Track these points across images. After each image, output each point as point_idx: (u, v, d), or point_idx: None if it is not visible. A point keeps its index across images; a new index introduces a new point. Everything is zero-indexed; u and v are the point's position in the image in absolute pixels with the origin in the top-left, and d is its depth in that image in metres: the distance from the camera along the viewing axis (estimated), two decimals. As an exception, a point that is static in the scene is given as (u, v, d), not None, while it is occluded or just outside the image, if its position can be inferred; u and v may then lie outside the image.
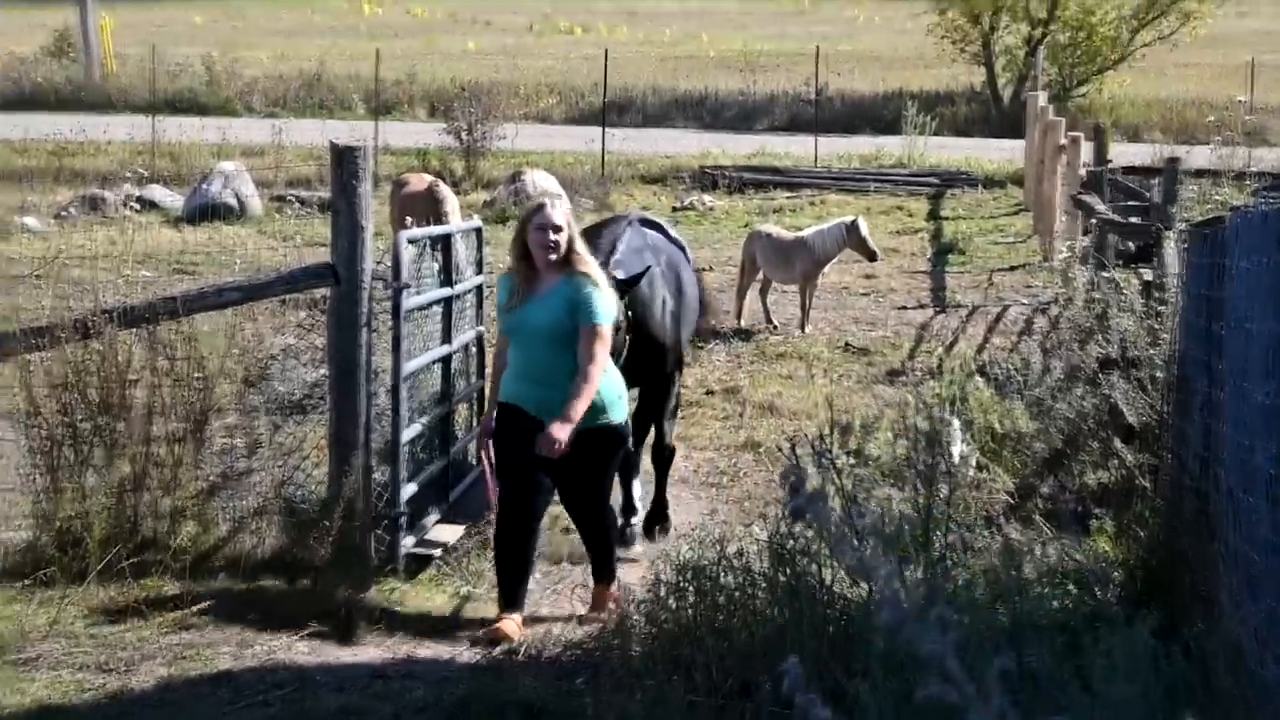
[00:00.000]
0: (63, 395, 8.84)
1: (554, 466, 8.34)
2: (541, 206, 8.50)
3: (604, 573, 8.84)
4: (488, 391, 9.12)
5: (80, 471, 8.82)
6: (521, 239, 8.45)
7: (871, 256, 17.70)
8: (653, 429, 10.53)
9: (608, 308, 8.44)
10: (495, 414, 8.75)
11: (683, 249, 11.06)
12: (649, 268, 9.65)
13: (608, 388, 8.54)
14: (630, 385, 9.46)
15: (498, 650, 7.89)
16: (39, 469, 8.89)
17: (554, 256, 8.33)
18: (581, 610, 8.64)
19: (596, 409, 8.39)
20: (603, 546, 8.88)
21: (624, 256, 9.63)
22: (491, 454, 8.72)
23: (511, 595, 8.38)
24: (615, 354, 8.94)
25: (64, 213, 25.97)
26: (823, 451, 6.66)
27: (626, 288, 9.27)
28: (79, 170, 30.98)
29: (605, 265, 9.21)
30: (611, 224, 10.48)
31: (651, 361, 9.85)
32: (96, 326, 8.86)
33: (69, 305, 9.12)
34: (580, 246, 8.53)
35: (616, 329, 8.68)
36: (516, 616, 8.30)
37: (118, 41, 50.88)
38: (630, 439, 9.24)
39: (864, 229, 17.57)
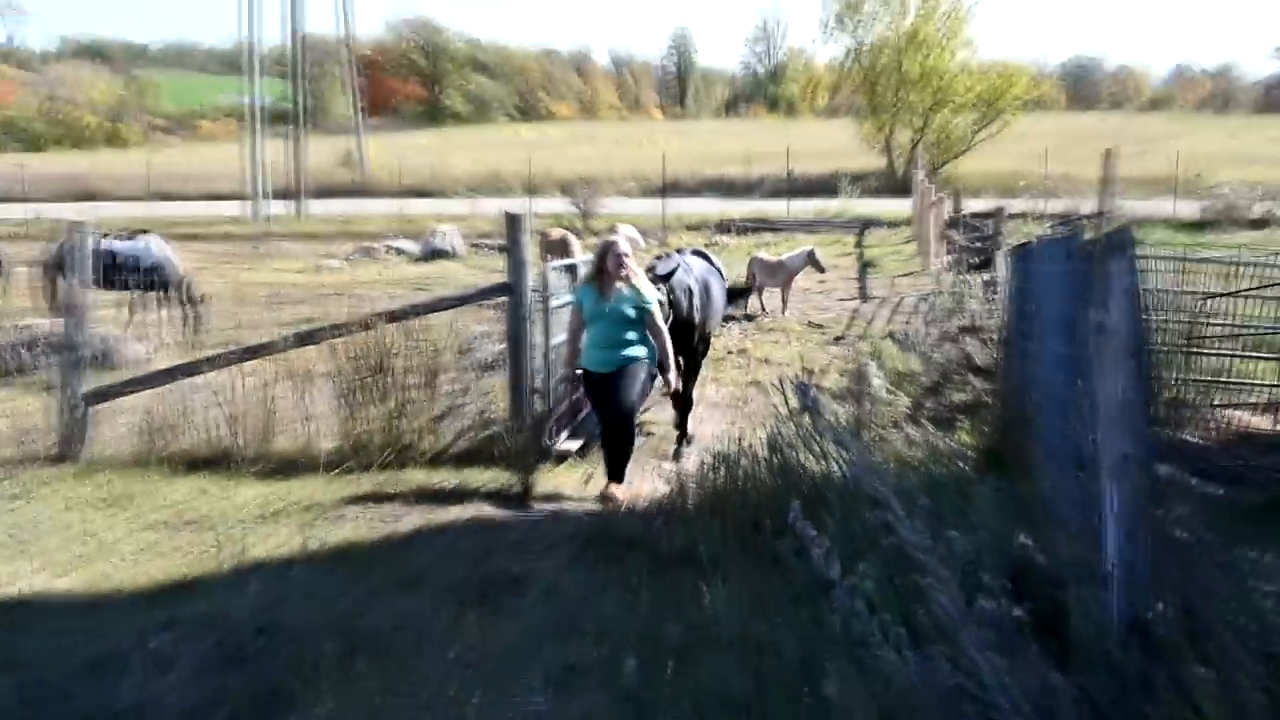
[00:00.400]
0: (354, 362, 8.94)
1: (610, 392, 8.28)
2: (614, 243, 8.47)
3: (617, 475, 8.37)
4: (567, 353, 8.83)
5: (365, 407, 8.92)
6: (601, 261, 8.40)
7: (821, 270, 17.89)
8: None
9: (656, 298, 8.50)
10: (580, 374, 8.62)
11: (718, 270, 10.84)
12: (675, 269, 9.60)
13: (649, 343, 8.47)
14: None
15: (609, 505, 7.93)
16: (342, 405, 9.00)
17: (623, 272, 8.30)
18: (662, 484, 8.39)
19: (638, 354, 8.39)
20: (622, 455, 8.39)
21: (665, 267, 9.60)
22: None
23: (616, 472, 8.31)
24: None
25: (350, 257, 26.14)
26: (800, 383, 6.70)
27: (663, 280, 9.31)
28: (356, 231, 31.20)
29: (651, 270, 9.44)
30: (671, 254, 10.47)
31: (682, 336, 9.47)
32: (372, 322, 8.96)
33: (356, 310, 9.20)
34: (635, 266, 8.50)
35: (661, 307, 8.62)
36: (620, 485, 8.24)
37: (379, 156, 51.22)
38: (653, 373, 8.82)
39: (819, 254, 17.77)
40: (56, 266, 13.56)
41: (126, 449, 9.11)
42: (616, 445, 8.36)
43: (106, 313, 14.41)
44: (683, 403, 9.96)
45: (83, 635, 5.58)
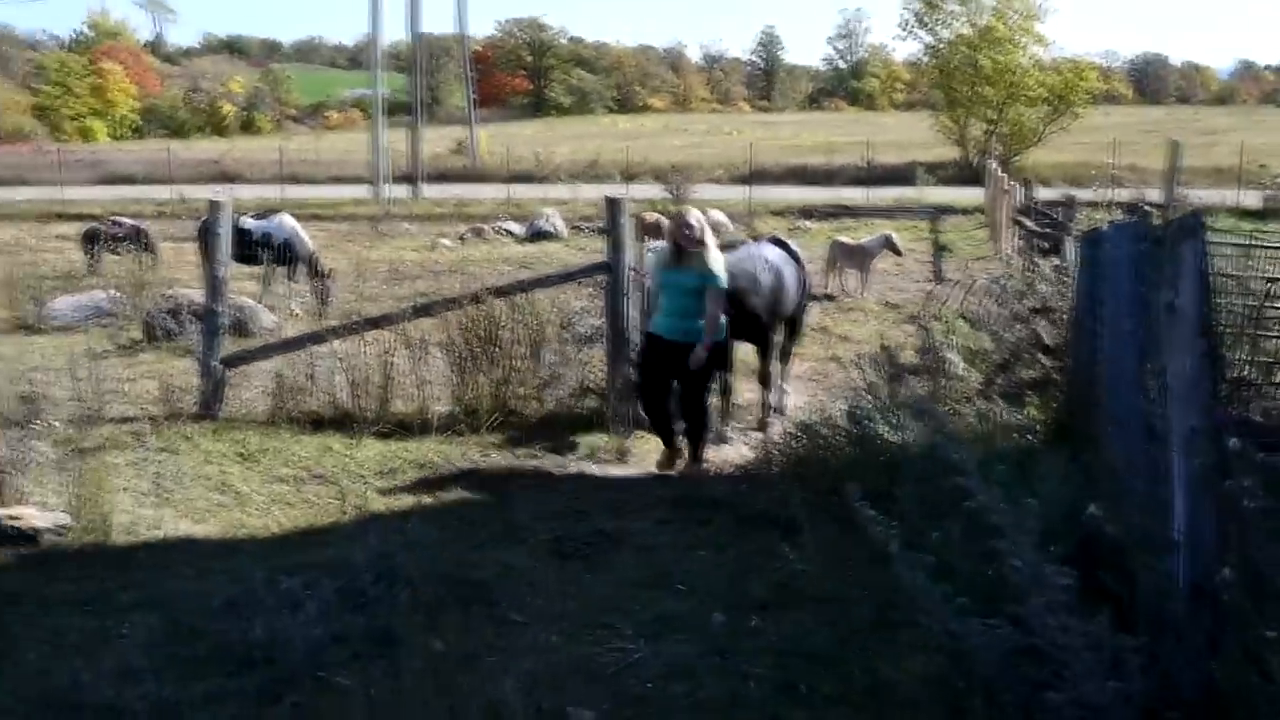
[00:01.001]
0: (466, 333, 9.00)
1: (676, 371, 7.74)
2: (682, 213, 8.14)
3: (695, 454, 7.95)
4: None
5: (475, 374, 8.98)
6: (671, 232, 8.02)
7: (899, 254, 17.67)
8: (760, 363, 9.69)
9: (722, 274, 7.84)
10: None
11: (796, 258, 10.02)
12: (741, 255, 9.08)
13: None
14: (737, 336, 8.79)
15: (676, 466, 7.99)
16: (454, 372, 9.08)
17: (691, 240, 7.73)
18: (748, 451, 8.34)
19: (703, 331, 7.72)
20: (697, 435, 7.95)
21: (732, 255, 8.80)
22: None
23: (666, 438, 8.00)
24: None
25: (463, 237, 26.32)
26: (887, 352, 6.65)
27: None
28: (468, 214, 31.42)
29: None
30: (746, 242, 10.13)
31: (748, 322, 8.80)
32: (482, 297, 9.02)
33: (467, 285, 9.26)
34: (710, 239, 7.92)
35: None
36: (669, 450, 7.94)
37: (488, 144, 51.55)
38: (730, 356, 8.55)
39: (896, 239, 17.54)
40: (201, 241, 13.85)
41: (259, 409, 9.27)
42: (691, 424, 7.93)
43: (242, 285, 14.68)
44: (765, 380, 9.55)
45: (220, 577, 5.70)
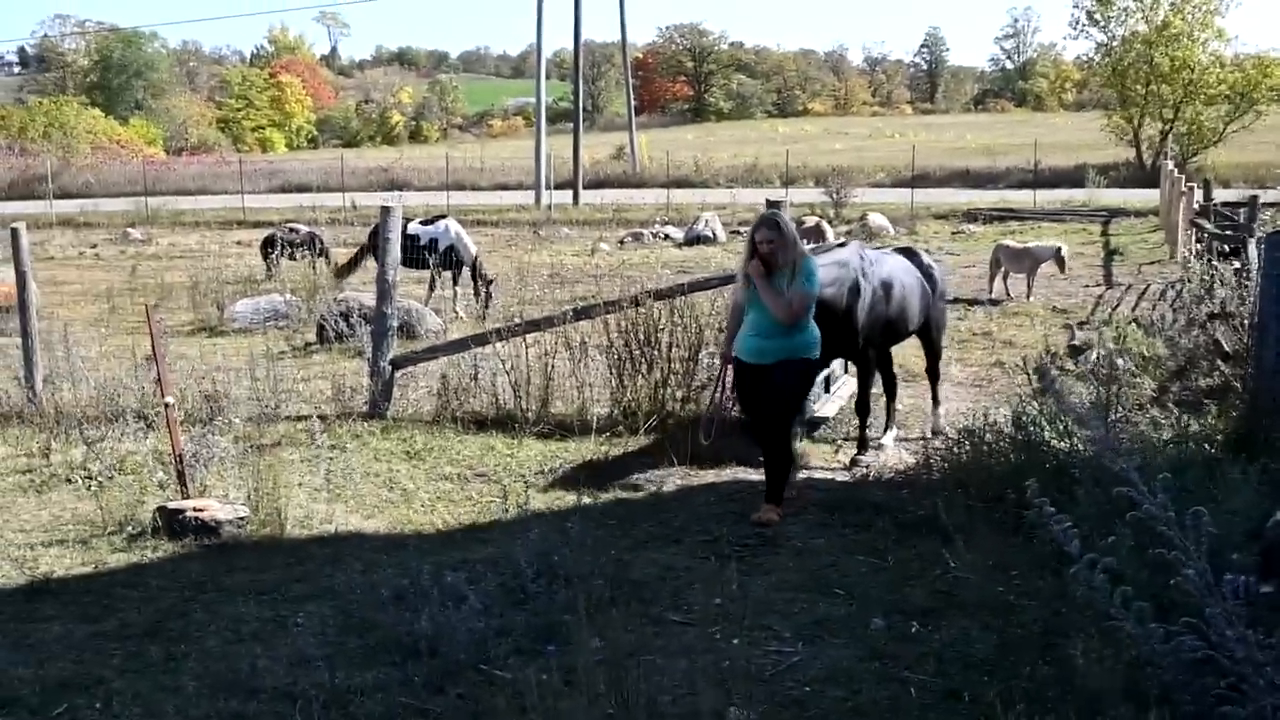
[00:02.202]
0: (625, 336, 9.06)
1: (761, 393, 6.68)
2: (764, 217, 6.71)
3: (774, 495, 6.73)
4: (726, 334, 7.09)
5: (634, 376, 9.03)
6: (750, 239, 6.72)
7: (1063, 269, 16.98)
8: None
9: (813, 279, 6.64)
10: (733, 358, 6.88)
11: (927, 272, 9.04)
12: (836, 257, 7.85)
13: (810, 335, 6.69)
14: (831, 353, 7.77)
15: (846, 476, 7.79)
16: (613, 375, 9.15)
17: (772, 254, 6.53)
18: (908, 457, 8.05)
19: (799, 346, 6.63)
20: (778, 471, 6.77)
21: (830, 257, 7.81)
22: (729, 376, 6.99)
23: (772, 492, 6.77)
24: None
25: (622, 241, 26.57)
26: (1041, 365, 6.46)
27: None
28: (627, 218, 31.67)
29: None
30: (849, 243, 8.79)
31: (842, 336, 7.72)
32: (641, 300, 9.07)
33: (626, 289, 9.32)
34: (798, 246, 6.71)
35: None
36: (775, 507, 6.70)
37: (648, 149, 51.95)
38: (814, 374, 7.26)
39: (1065, 253, 17.02)
40: (370, 248, 14.29)
41: (425, 409, 9.52)
42: (771, 458, 6.82)
43: (409, 289, 15.08)
44: (858, 407, 8.44)
45: (388, 569, 5.87)
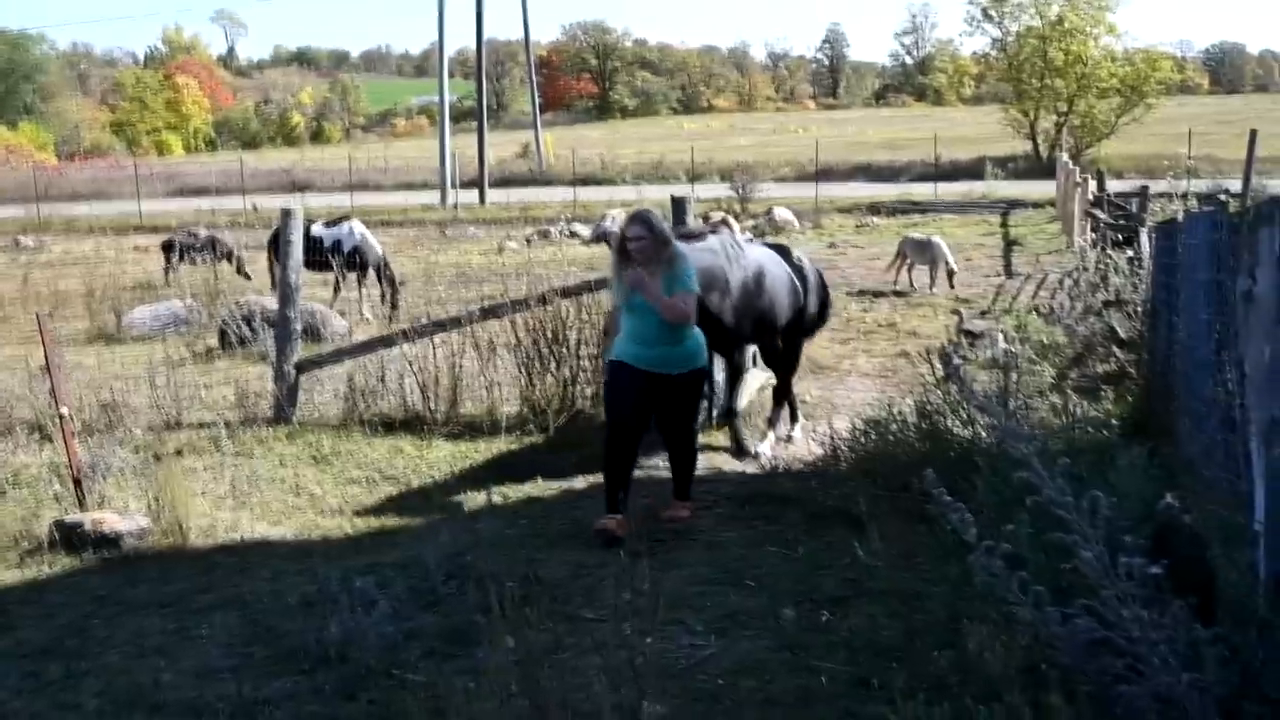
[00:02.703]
0: (533, 334, 9.03)
1: (655, 403, 6.40)
2: (632, 217, 6.48)
3: (682, 491, 6.69)
4: (606, 337, 6.92)
5: (543, 374, 9.01)
6: (620, 242, 6.47)
7: (951, 275, 16.73)
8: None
9: (691, 278, 6.36)
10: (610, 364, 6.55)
11: (799, 270, 8.57)
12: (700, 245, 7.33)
13: (699, 337, 6.51)
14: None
15: (755, 469, 7.83)
16: (522, 373, 9.12)
17: (647, 258, 6.26)
18: (816, 448, 7.95)
19: (688, 356, 6.41)
20: (686, 470, 6.67)
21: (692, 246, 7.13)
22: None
23: (616, 498, 6.37)
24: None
25: (529, 239, 26.48)
26: (944, 352, 6.55)
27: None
28: (534, 216, 31.58)
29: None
30: (715, 230, 8.30)
31: (712, 334, 7.05)
32: (549, 298, 9.05)
33: (534, 287, 9.29)
34: (673, 247, 6.38)
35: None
36: (615, 518, 6.30)
37: (554, 148, 51.86)
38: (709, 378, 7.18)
39: (950, 258, 16.76)
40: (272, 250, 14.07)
41: (332, 412, 9.39)
42: (677, 457, 6.65)
43: (314, 291, 14.87)
44: (722, 416, 8.27)
45: (296, 576, 5.79)
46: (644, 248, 6.28)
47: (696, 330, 6.47)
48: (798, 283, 8.49)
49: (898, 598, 5.05)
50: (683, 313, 6.29)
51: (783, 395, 8.79)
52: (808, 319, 8.79)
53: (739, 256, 7.84)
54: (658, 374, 6.35)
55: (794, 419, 8.87)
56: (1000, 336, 10.64)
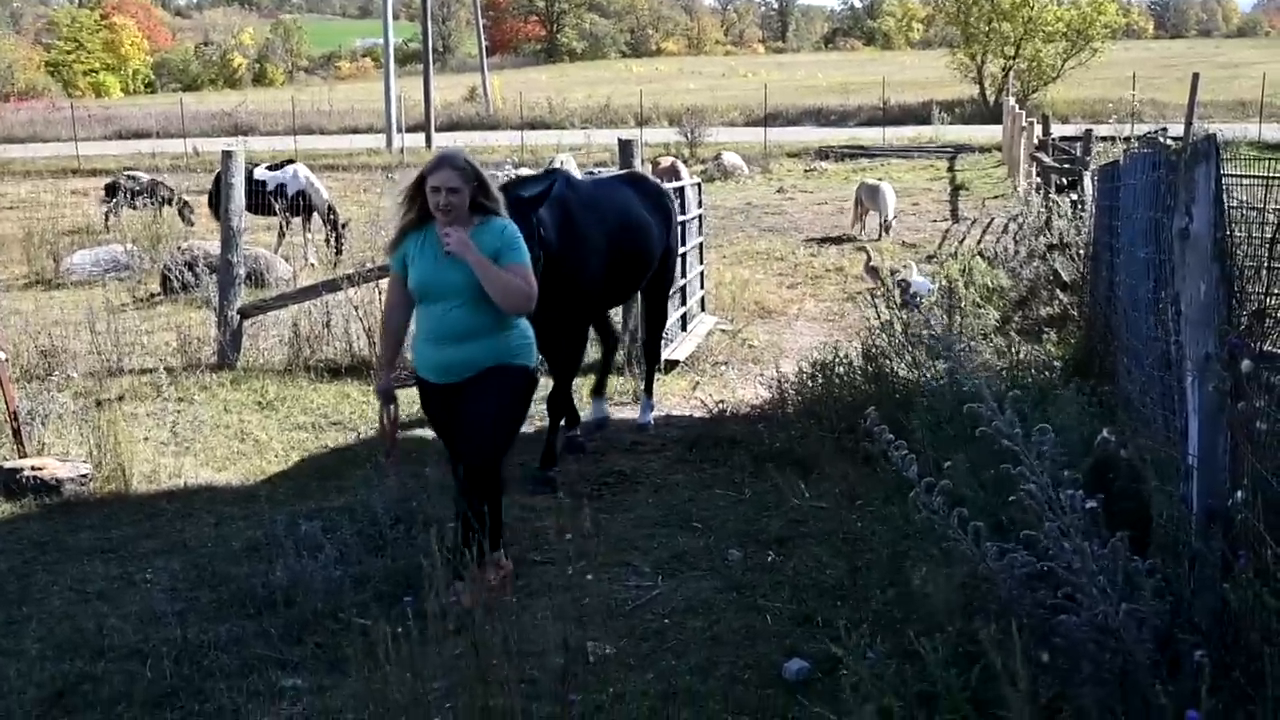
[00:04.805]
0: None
1: (457, 422, 4.76)
2: (441, 159, 4.70)
3: (495, 538, 4.60)
4: (381, 349, 5.32)
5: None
6: (416, 188, 4.71)
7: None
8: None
9: (518, 241, 4.75)
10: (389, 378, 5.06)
11: (660, 202, 7.33)
12: (547, 190, 5.75)
13: (525, 331, 4.85)
14: (547, 321, 5.69)
15: (713, 410, 7.84)
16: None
17: (451, 211, 4.58)
18: (764, 391, 7.92)
19: (515, 348, 4.77)
20: (496, 507, 4.71)
21: (534, 189, 5.82)
22: (391, 416, 5.11)
23: (492, 540, 4.46)
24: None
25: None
26: (902, 280, 6.60)
27: (527, 207, 5.53)
28: (482, 160, 31.21)
29: (511, 193, 5.39)
30: (558, 167, 6.48)
31: (564, 298, 5.96)
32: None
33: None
34: (492, 191, 4.77)
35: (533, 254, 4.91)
36: (500, 558, 4.82)
37: (501, 91, 51.36)
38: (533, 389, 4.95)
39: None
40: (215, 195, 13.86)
41: (276, 358, 9.31)
42: (475, 503, 4.43)
43: (258, 236, 14.67)
44: (552, 407, 6.56)
45: (241, 522, 5.76)
46: (458, 202, 4.62)
47: (524, 325, 4.86)
48: (658, 221, 7.19)
49: (841, 538, 5.12)
50: (525, 293, 4.68)
51: (652, 357, 7.79)
52: (667, 267, 7.58)
53: (592, 201, 6.53)
54: (450, 385, 4.77)
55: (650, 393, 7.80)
56: (914, 274, 10.72)
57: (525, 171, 17.10)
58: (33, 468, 6.44)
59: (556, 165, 24.67)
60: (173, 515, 6.07)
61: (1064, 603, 2.84)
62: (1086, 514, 2.75)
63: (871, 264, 12.37)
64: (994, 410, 2.93)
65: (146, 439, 7.37)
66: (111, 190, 18.89)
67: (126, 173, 21.04)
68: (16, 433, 6.81)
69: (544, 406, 6.56)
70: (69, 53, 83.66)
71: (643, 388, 7.83)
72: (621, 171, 8.39)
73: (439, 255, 4.66)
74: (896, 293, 8.93)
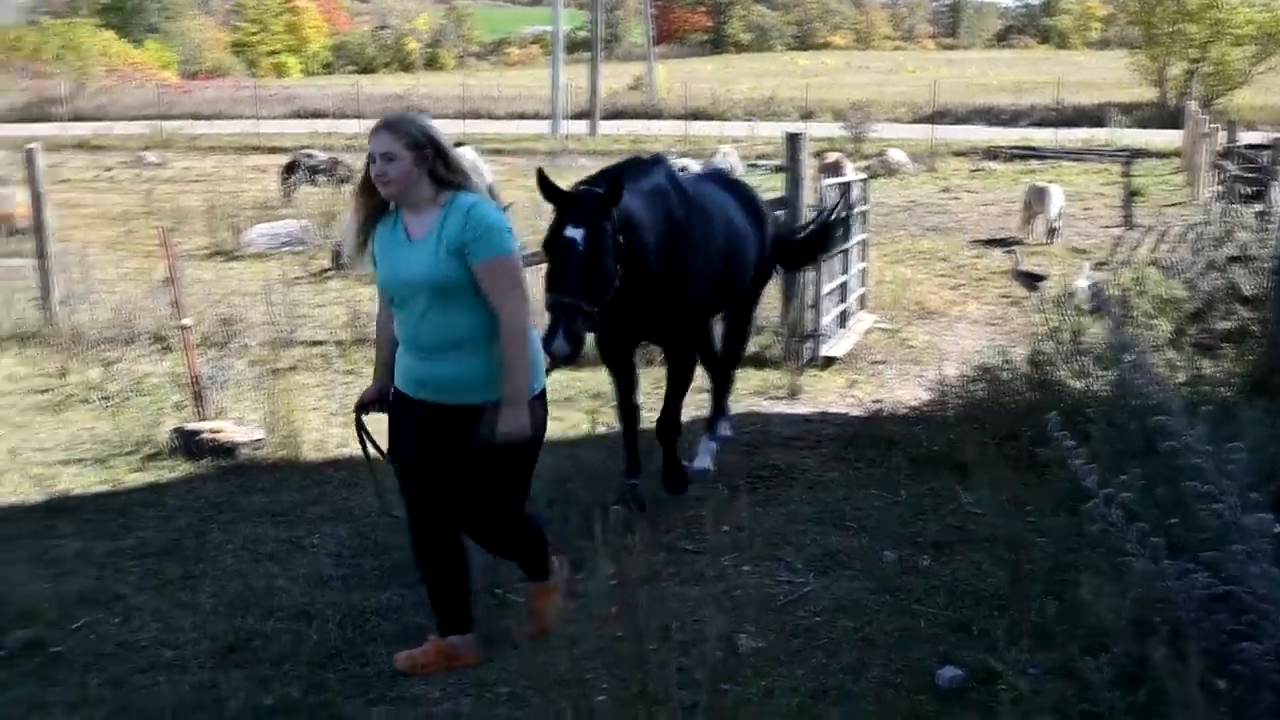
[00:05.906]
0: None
1: (450, 461, 3.97)
2: (382, 124, 3.83)
3: (539, 569, 4.28)
4: (376, 360, 4.25)
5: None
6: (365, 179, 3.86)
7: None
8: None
9: (502, 232, 3.82)
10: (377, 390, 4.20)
11: (753, 206, 6.41)
12: (616, 181, 4.94)
13: (530, 345, 3.93)
14: (625, 338, 5.53)
15: (870, 409, 7.74)
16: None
17: (389, 190, 3.77)
18: (923, 392, 7.88)
19: (479, 368, 3.84)
20: (529, 550, 4.23)
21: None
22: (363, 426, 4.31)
23: (451, 617, 4.15)
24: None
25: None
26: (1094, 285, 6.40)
27: (598, 203, 4.94)
28: (644, 149, 31.47)
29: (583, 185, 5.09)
30: (650, 159, 5.73)
31: (648, 308, 5.29)
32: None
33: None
34: (455, 161, 3.88)
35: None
36: (454, 641, 4.16)
37: (666, 80, 51.59)
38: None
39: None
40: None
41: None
42: (506, 540, 4.14)
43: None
44: (662, 433, 5.86)
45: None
46: (395, 174, 3.77)
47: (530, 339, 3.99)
48: (754, 228, 6.33)
49: (1003, 545, 4.98)
50: (522, 328, 3.84)
51: (725, 377, 6.72)
52: (761, 276, 6.70)
53: (697, 196, 5.75)
54: (443, 406, 3.95)
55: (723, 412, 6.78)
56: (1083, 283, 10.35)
57: (687, 162, 17.13)
58: (211, 430, 6.72)
59: (718, 159, 24.82)
60: (339, 484, 6.26)
61: (1245, 629, 2.73)
62: (1276, 538, 2.63)
63: (1021, 267, 12.04)
64: (1181, 426, 2.82)
65: (315, 409, 7.62)
66: (291, 168, 19.59)
67: (304, 151, 21.77)
68: (198, 396, 7.12)
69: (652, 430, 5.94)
70: (254, 34, 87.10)
71: (709, 417, 6.61)
72: (708, 170, 7.81)
73: (398, 244, 3.82)
74: (1074, 298, 8.66)
